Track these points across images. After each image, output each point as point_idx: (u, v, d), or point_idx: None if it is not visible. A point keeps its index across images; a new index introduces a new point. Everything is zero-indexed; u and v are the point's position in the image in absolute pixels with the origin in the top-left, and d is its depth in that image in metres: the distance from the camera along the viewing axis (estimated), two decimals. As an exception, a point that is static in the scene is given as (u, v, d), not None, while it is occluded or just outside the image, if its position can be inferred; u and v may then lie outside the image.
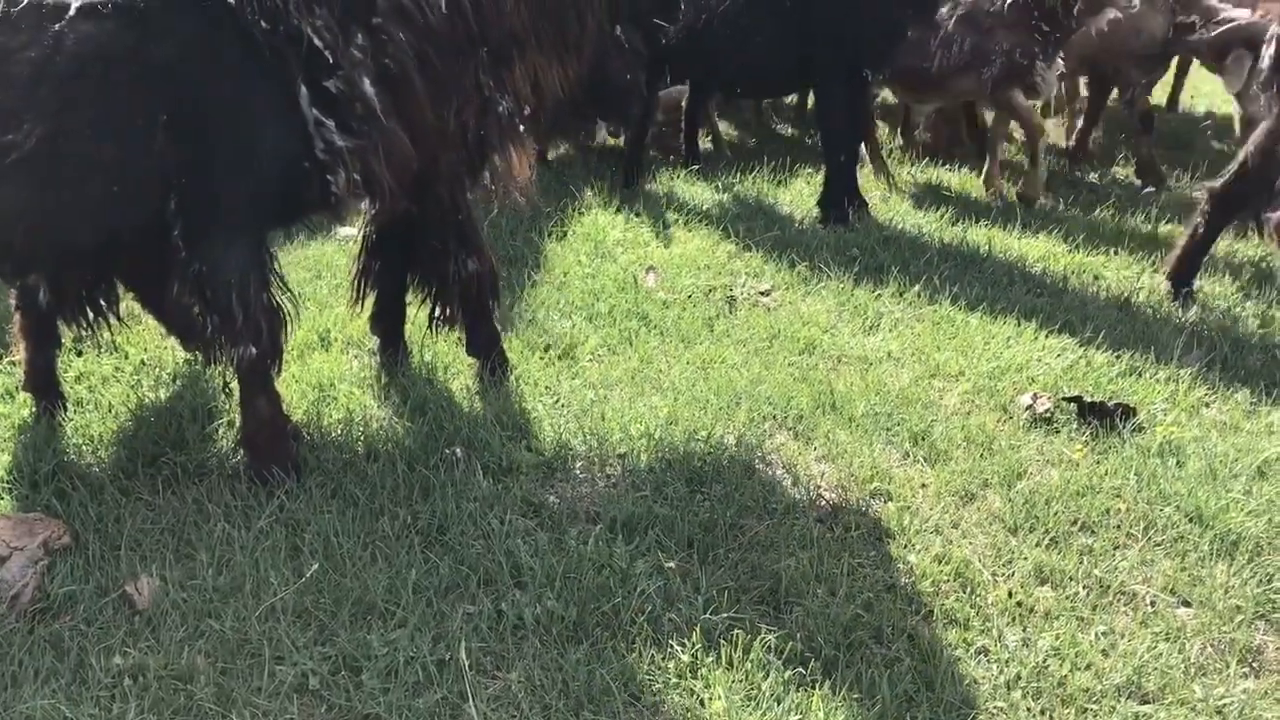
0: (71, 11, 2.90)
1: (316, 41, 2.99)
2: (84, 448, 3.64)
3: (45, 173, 2.91)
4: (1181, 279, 5.11)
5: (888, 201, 6.49)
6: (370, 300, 4.19)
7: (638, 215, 6.14)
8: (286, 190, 3.16)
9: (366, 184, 3.19)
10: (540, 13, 3.54)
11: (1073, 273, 5.42)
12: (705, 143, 7.74)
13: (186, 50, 2.99)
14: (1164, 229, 6.06)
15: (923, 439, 3.81)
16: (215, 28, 2.99)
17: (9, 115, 2.85)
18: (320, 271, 5.07)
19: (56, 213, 3.00)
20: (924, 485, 3.58)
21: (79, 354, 4.17)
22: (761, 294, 5.15)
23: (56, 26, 2.88)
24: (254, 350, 3.24)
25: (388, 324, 4.25)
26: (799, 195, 6.58)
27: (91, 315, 3.63)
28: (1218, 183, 4.99)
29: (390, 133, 3.14)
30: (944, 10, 6.28)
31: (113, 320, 3.75)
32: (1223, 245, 5.64)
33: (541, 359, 4.35)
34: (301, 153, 3.08)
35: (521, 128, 3.76)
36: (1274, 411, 4.03)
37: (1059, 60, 6.41)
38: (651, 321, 4.73)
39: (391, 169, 3.21)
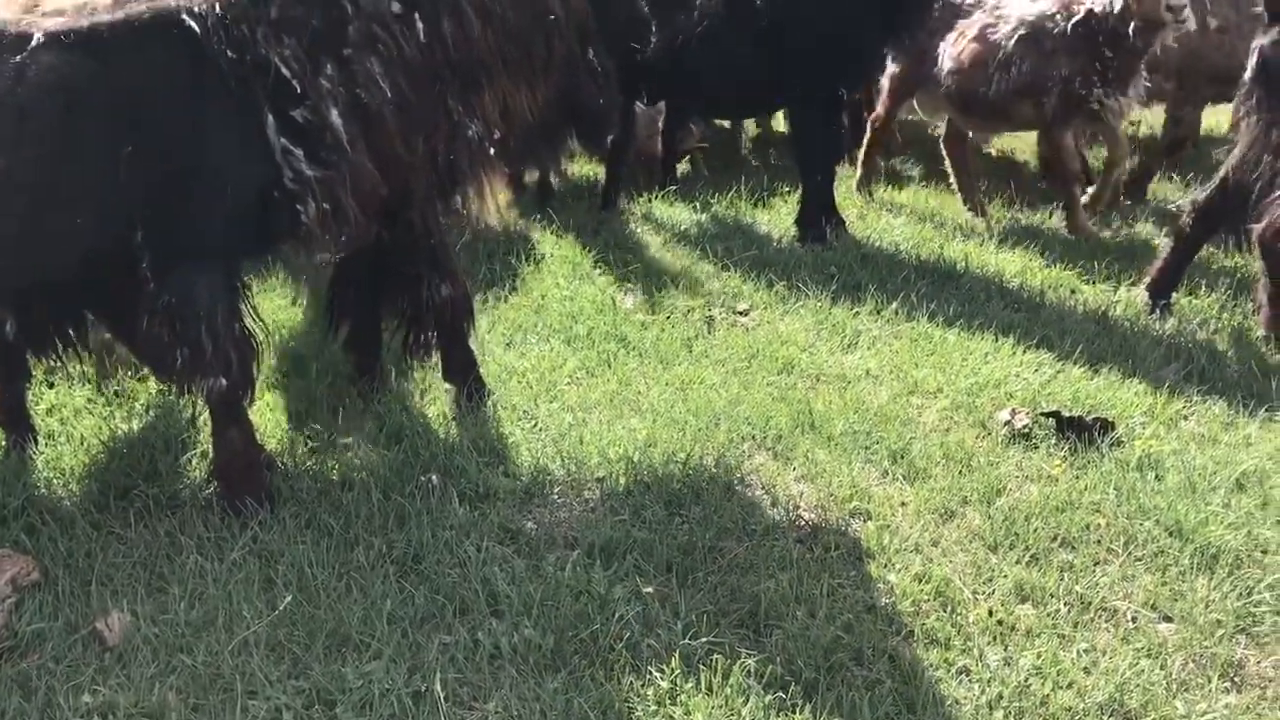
0: (34, 43, 2.88)
1: (284, 71, 2.97)
2: (55, 481, 3.59)
3: (8, 205, 2.88)
4: (1160, 292, 5.12)
5: (865, 219, 6.50)
6: (345, 326, 4.16)
7: (616, 237, 6.13)
8: (255, 220, 3.14)
9: (336, 213, 3.17)
10: (507, 39, 3.55)
11: (1050, 287, 5.43)
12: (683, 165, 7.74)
13: (151, 80, 2.97)
14: (1140, 241, 6.08)
15: (902, 457, 3.80)
16: (181, 57, 2.97)
17: None
18: (295, 297, 5.05)
19: (21, 245, 2.97)
20: (903, 503, 3.56)
21: (50, 386, 4.13)
22: (740, 313, 5.14)
23: (18, 58, 2.86)
24: (224, 382, 3.20)
25: (363, 350, 4.22)
26: (777, 215, 6.58)
27: (61, 347, 3.59)
28: (1200, 195, 5.00)
29: (359, 162, 3.12)
30: (1005, 29, 6.02)
31: (83, 351, 3.70)
32: (1198, 256, 5.69)
33: (519, 383, 4.33)
34: (270, 182, 3.06)
35: (492, 152, 3.76)
36: (1251, 424, 4.04)
37: (1132, 88, 5.85)
38: (630, 343, 4.71)
39: (360, 198, 3.19)
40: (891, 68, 6.62)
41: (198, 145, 3.02)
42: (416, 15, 3.21)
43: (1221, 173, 4.89)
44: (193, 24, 3.00)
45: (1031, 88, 5.96)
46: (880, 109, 6.90)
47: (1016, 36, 5.97)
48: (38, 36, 2.93)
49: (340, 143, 3.08)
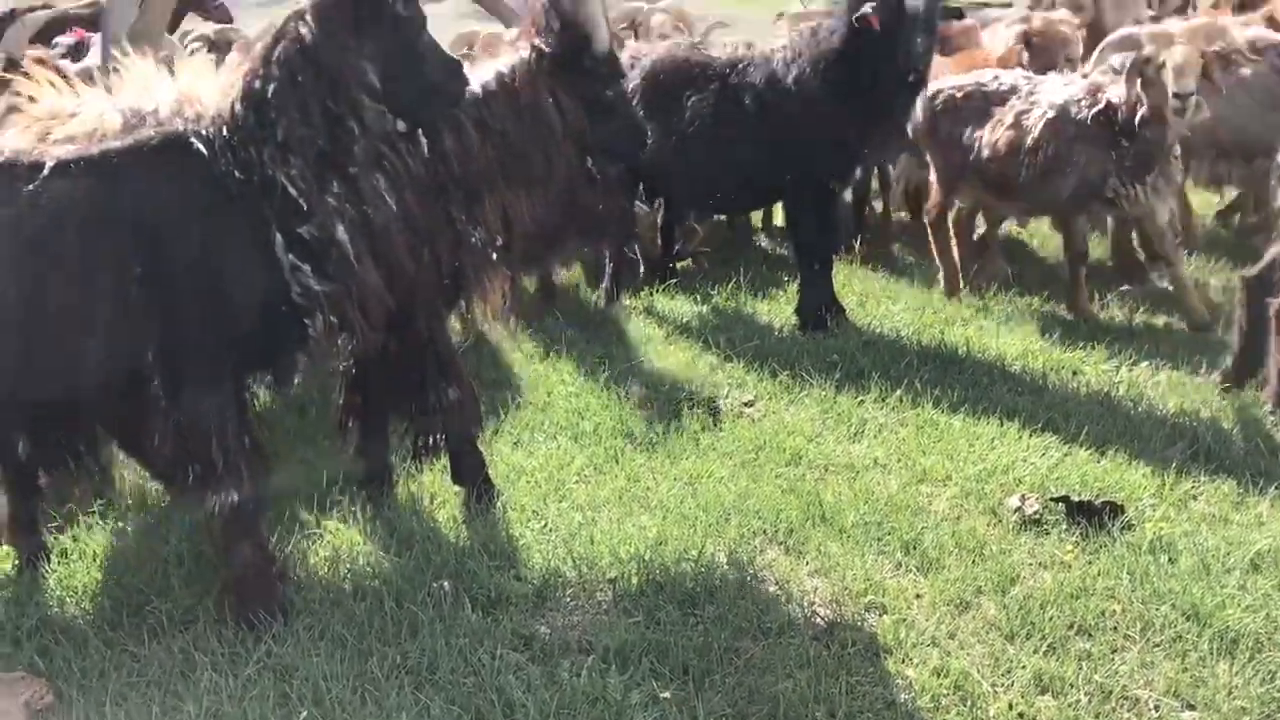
0: (46, 171, 2.96)
1: (290, 190, 3.04)
2: (68, 599, 3.59)
3: (23, 328, 2.93)
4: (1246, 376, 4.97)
5: (865, 306, 6.56)
6: (354, 432, 4.20)
7: (619, 332, 6.18)
8: (264, 335, 3.19)
9: (342, 326, 3.23)
10: (506, 152, 3.67)
11: (1052, 369, 5.46)
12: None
13: (160, 202, 3.04)
14: (1137, 321, 6.12)
15: (914, 547, 3.80)
16: (189, 179, 3.05)
17: None
18: (305, 405, 5.08)
19: (35, 366, 3.01)
20: (918, 595, 3.55)
21: (62, 502, 4.14)
22: (745, 404, 5.17)
23: (31, 186, 2.93)
24: (235, 496, 3.22)
25: (372, 455, 4.25)
26: (777, 304, 6.64)
27: (74, 464, 3.61)
28: (1253, 270, 4.94)
29: (365, 277, 3.19)
30: (1035, 114, 6.00)
31: (95, 467, 3.73)
32: (1200, 334, 5.74)
33: (528, 482, 4.34)
34: (278, 298, 3.12)
35: (495, 257, 3.84)
36: (1262, 502, 4.04)
37: (1153, 178, 5.76)
38: (637, 438, 4.73)
39: (366, 311, 3.25)
40: (937, 159, 6.59)
41: (207, 265, 3.08)
42: (421, 133, 3.30)
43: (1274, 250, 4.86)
44: (200, 146, 3.09)
45: (1053, 171, 5.99)
46: (933, 202, 6.75)
47: (1044, 121, 5.99)
48: (49, 164, 3.02)
49: (347, 258, 3.14)
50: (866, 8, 5.43)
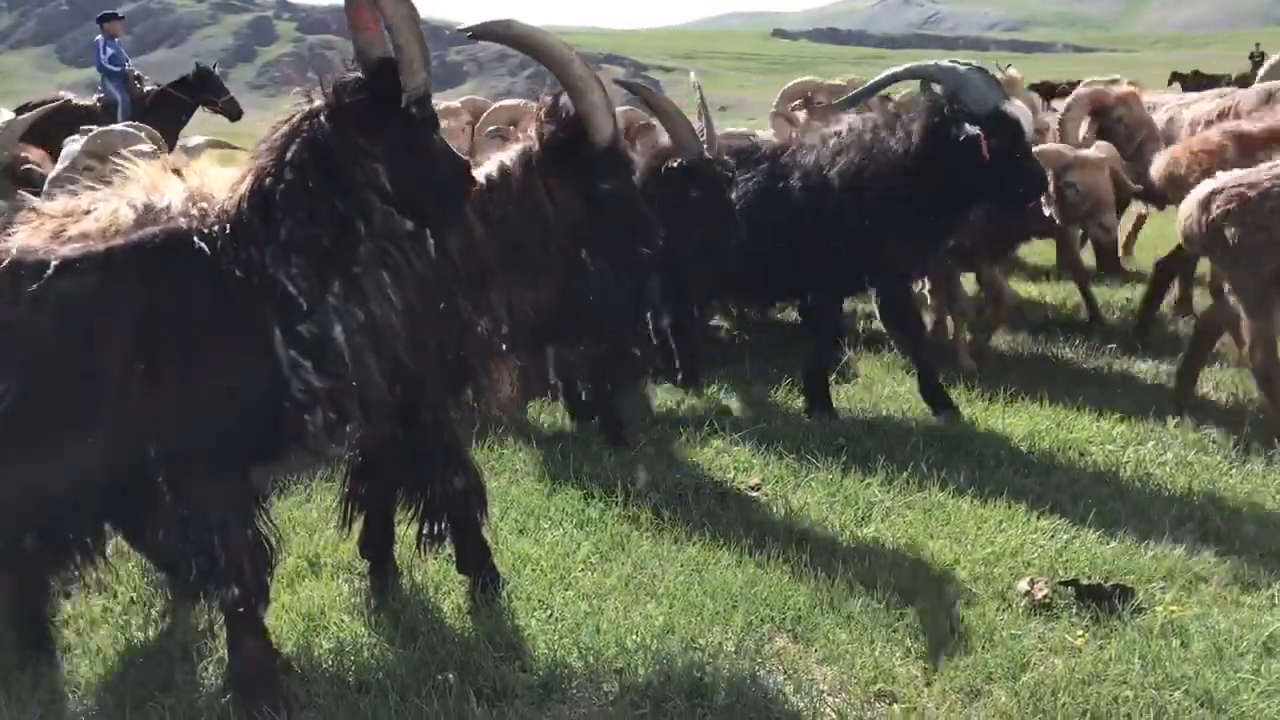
0: (50, 270, 3.00)
1: (290, 289, 3.07)
2: (71, 695, 3.56)
3: (28, 426, 2.95)
4: None
5: (870, 389, 6.58)
6: (359, 523, 4.19)
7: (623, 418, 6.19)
8: (265, 430, 3.19)
9: (342, 421, 3.23)
10: (507, 240, 3.70)
11: (1058, 449, 5.45)
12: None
13: (163, 299, 3.06)
14: (1145, 399, 6.12)
15: (924, 633, 3.76)
16: (191, 276, 3.07)
17: None
18: (310, 495, 5.08)
19: (39, 463, 3.03)
20: (928, 683, 3.51)
21: (66, 596, 4.13)
22: (751, 489, 5.16)
23: (36, 285, 2.97)
24: (237, 591, 3.21)
25: (377, 546, 4.24)
26: (781, 387, 6.65)
27: (80, 559, 3.60)
28: None
29: (367, 373, 3.19)
30: None
31: (101, 561, 3.72)
32: (1209, 410, 5.74)
33: (533, 570, 4.32)
34: (278, 394, 3.12)
35: (503, 346, 3.86)
36: (1274, 583, 4.00)
37: None
38: (642, 524, 4.72)
39: (368, 407, 3.25)
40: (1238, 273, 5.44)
41: (207, 361, 3.09)
42: (428, 232, 3.33)
43: None
44: (203, 245, 3.10)
45: None
46: (1252, 337, 5.44)
47: None
48: (54, 263, 3.05)
49: (346, 356, 3.15)
50: (972, 129, 5.25)
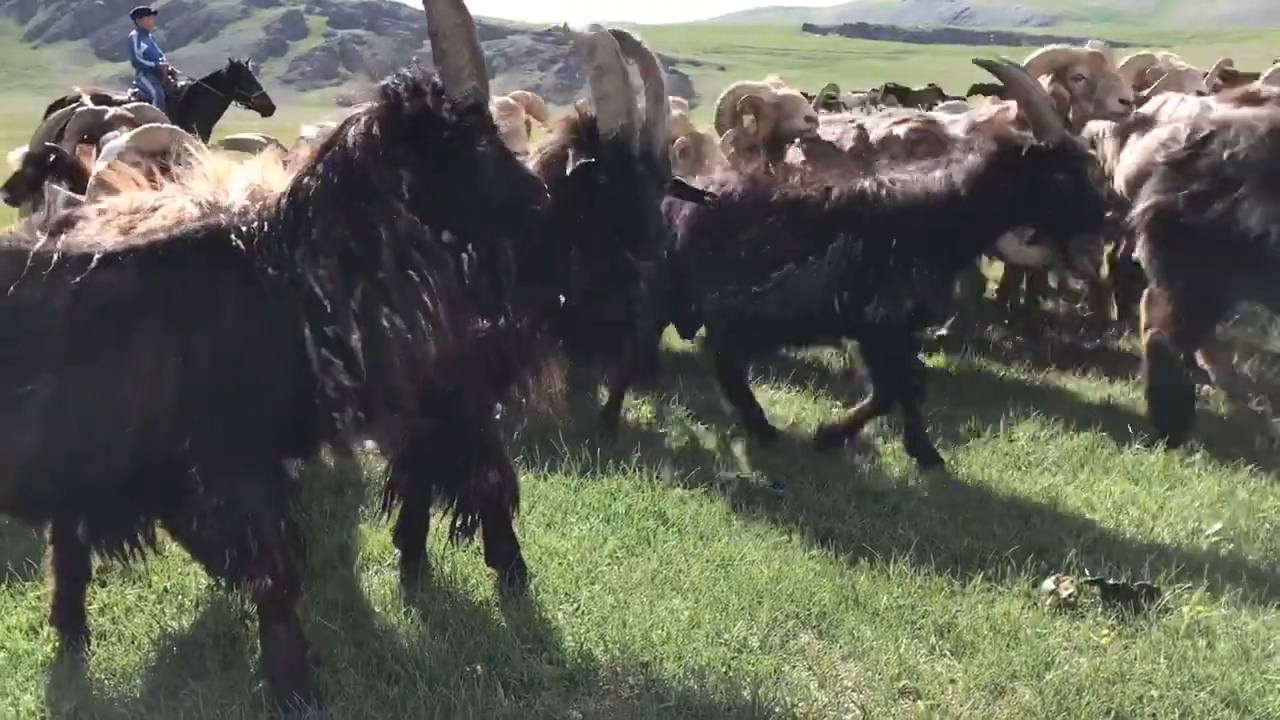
0: (93, 263, 3.05)
1: (317, 290, 3.10)
2: (106, 683, 3.63)
3: (70, 415, 3.01)
4: None
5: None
6: (396, 511, 4.25)
7: (650, 411, 6.23)
8: (297, 427, 3.24)
9: (371, 420, 3.26)
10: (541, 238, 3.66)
11: (1086, 448, 5.44)
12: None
13: (200, 294, 3.11)
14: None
15: (948, 631, 3.78)
16: (227, 271, 3.11)
17: (30, 366, 2.96)
18: (342, 485, 5.14)
19: (82, 452, 3.09)
20: (952, 680, 3.52)
21: (103, 585, 4.20)
22: (776, 485, 5.18)
23: (78, 278, 3.03)
24: (269, 581, 3.26)
25: (411, 536, 4.31)
26: (805, 385, 6.67)
27: (128, 548, 3.64)
28: None
29: (392, 377, 3.20)
30: None
31: (147, 551, 3.76)
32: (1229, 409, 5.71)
33: (560, 564, 4.36)
34: (310, 392, 3.15)
35: (545, 343, 3.86)
36: (1301, 584, 3.99)
37: None
38: (669, 519, 4.75)
39: (396, 408, 3.26)
40: None
41: (241, 356, 3.13)
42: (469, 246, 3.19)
43: None
44: (239, 241, 3.14)
45: None
46: None
47: None
48: (97, 256, 3.11)
49: (370, 359, 3.13)
50: None
